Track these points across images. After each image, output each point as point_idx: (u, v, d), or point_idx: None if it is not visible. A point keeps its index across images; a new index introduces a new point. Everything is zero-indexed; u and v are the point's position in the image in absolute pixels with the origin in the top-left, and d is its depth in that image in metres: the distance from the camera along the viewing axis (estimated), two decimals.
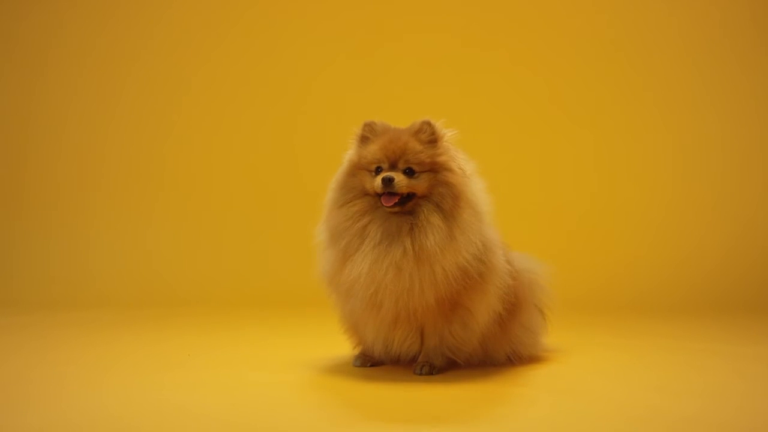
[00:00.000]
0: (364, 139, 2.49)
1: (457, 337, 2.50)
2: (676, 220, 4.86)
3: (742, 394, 2.29)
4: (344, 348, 2.77)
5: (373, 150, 2.42)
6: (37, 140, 5.11)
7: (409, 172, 2.39)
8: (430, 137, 2.42)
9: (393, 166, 2.39)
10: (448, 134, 2.47)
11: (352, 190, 2.46)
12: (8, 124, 5.10)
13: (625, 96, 4.99)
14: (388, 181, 2.35)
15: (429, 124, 2.43)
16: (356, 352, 2.70)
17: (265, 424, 1.93)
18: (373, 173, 2.41)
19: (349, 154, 2.53)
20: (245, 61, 5.11)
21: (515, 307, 2.62)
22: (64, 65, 5.14)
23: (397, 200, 2.37)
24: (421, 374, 2.48)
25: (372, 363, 2.61)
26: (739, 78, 4.93)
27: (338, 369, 2.61)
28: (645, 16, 4.99)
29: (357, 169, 2.46)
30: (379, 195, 2.39)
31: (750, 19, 4.92)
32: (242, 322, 3.90)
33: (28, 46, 5.14)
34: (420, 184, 2.39)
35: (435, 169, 2.40)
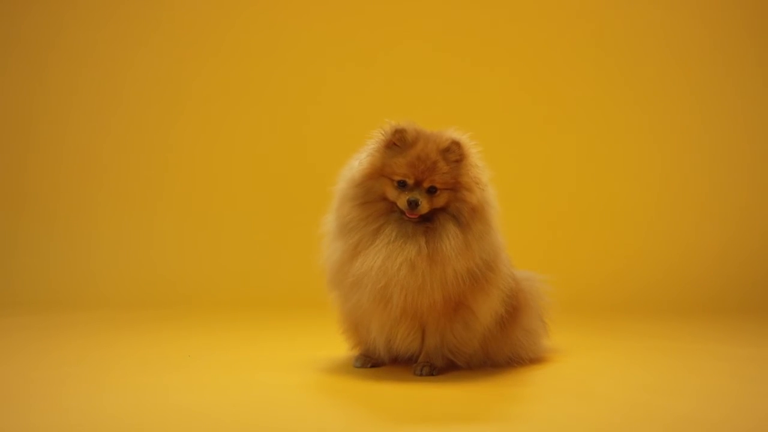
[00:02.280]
0: (391, 146, 2.45)
1: (458, 337, 2.53)
2: (673, 221, 4.87)
3: (738, 395, 2.32)
4: (345, 349, 2.78)
5: (401, 164, 2.41)
6: (37, 140, 5.10)
7: (432, 190, 2.42)
8: (457, 157, 2.43)
9: (418, 184, 2.41)
10: (473, 152, 2.48)
11: (370, 192, 2.44)
12: (9, 124, 5.10)
13: (623, 95, 4.99)
14: (414, 205, 2.37)
15: (458, 144, 2.43)
16: (354, 352, 2.71)
17: (266, 425, 1.95)
18: (396, 184, 2.42)
19: (371, 154, 2.47)
20: (247, 62, 5.10)
21: (516, 310, 2.64)
22: (64, 65, 5.13)
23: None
24: (421, 375, 2.50)
25: (373, 364, 2.62)
26: (740, 78, 4.94)
27: (339, 370, 2.62)
28: (646, 16, 4.99)
29: (379, 175, 2.44)
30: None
31: (747, 19, 4.94)
32: (244, 322, 3.90)
33: (28, 46, 5.14)
34: (440, 200, 2.43)
35: (456, 188, 2.43)
